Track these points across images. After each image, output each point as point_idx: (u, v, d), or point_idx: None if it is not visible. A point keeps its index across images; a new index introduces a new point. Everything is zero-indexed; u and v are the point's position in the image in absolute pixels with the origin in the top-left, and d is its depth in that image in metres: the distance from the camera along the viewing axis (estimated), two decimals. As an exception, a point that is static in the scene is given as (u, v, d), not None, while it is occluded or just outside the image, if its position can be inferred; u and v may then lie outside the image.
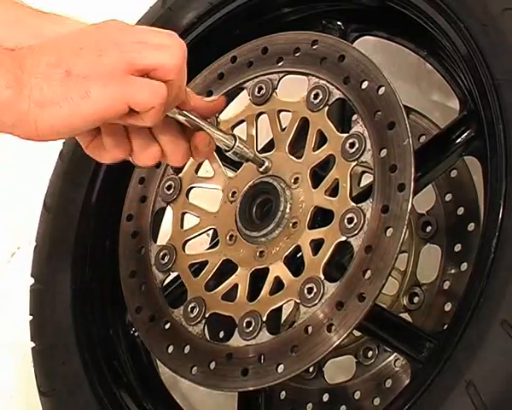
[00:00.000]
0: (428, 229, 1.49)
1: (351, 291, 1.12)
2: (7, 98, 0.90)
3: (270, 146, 1.34)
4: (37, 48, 0.95)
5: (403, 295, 1.48)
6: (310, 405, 1.49)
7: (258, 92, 1.32)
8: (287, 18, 1.48)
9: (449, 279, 1.45)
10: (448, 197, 1.48)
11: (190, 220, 1.34)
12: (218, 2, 1.47)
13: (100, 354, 1.40)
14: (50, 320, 1.43)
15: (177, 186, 1.35)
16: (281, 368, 1.15)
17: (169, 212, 1.37)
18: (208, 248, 1.42)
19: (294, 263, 1.21)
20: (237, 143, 1.13)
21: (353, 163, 1.18)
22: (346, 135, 1.20)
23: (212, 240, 1.52)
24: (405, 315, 1.46)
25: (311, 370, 1.49)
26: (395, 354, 1.44)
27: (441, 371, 1.05)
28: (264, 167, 1.24)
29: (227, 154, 1.14)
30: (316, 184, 1.21)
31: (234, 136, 1.14)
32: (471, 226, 1.44)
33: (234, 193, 1.29)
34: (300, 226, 1.20)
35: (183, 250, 1.32)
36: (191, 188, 1.35)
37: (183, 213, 1.34)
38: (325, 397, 1.49)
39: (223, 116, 1.33)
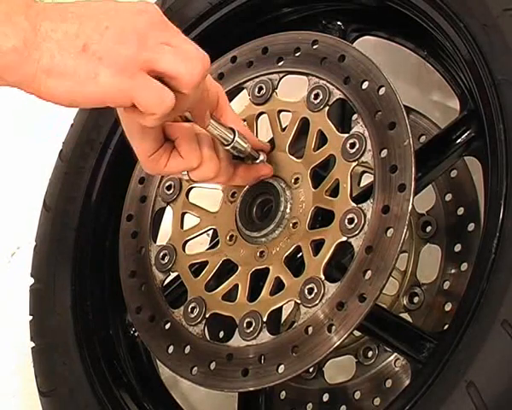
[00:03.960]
0: (428, 229, 1.49)
1: (351, 292, 1.12)
2: (11, 61, 0.89)
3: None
4: (60, 11, 0.92)
5: (403, 295, 1.48)
6: (310, 405, 1.49)
7: (259, 92, 1.32)
8: (287, 18, 1.48)
9: (449, 279, 1.45)
10: (448, 197, 1.48)
11: (190, 220, 1.34)
12: (217, 2, 1.46)
13: (100, 354, 1.40)
14: (50, 320, 1.43)
15: (177, 186, 1.35)
16: (281, 368, 1.15)
17: (169, 212, 1.36)
18: (208, 249, 1.43)
19: (295, 263, 1.21)
20: (236, 138, 1.13)
21: (354, 163, 1.18)
22: (346, 135, 1.20)
23: (212, 240, 1.52)
24: (405, 315, 1.46)
25: (311, 370, 1.49)
26: (395, 354, 1.44)
27: (442, 371, 1.05)
28: (258, 161, 1.23)
29: (225, 148, 1.14)
30: (316, 185, 1.21)
31: (233, 130, 1.13)
32: (471, 226, 1.44)
33: (234, 193, 1.29)
34: (301, 227, 1.20)
35: (183, 250, 1.31)
36: (191, 188, 1.34)
37: (183, 213, 1.34)
38: (325, 397, 1.49)
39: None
